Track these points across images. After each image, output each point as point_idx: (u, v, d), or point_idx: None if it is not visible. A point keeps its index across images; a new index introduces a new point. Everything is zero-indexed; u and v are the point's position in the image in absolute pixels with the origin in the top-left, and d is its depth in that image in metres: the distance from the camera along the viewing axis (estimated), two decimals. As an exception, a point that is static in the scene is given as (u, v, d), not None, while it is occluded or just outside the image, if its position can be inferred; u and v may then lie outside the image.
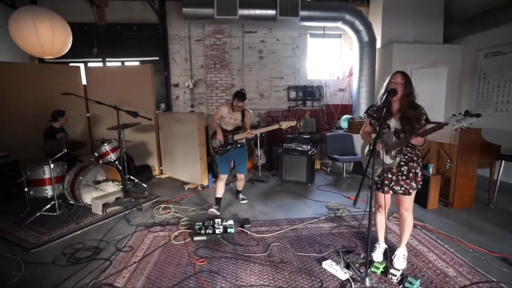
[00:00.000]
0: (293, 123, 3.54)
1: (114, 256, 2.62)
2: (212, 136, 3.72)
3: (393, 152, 2.22)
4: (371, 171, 2.34)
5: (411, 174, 2.28)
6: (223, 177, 3.70)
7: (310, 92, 6.63)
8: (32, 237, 3.07)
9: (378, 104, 2.28)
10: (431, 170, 3.75)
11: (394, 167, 2.28)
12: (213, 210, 3.57)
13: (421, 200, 3.67)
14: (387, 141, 2.20)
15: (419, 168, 2.29)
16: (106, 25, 5.91)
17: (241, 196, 4.08)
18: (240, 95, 3.49)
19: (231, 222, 3.07)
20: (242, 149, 3.75)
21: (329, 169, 5.69)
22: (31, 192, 3.58)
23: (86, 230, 3.19)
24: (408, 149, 2.28)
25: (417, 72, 5.58)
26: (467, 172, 3.63)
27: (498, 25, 5.04)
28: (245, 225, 3.09)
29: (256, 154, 5.83)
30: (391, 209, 3.28)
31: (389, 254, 2.47)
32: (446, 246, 2.75)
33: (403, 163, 2.29)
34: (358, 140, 5.37)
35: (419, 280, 2.17)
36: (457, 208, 3.67)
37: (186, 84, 6.34)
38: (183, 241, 2.87)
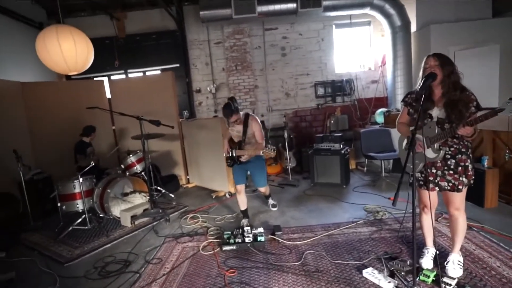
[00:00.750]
0: (272, 154, 3.00)
1: (143, 269, 2.70)
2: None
3: (436, 145, 2.07)
4: (411, 166, 2.21)
5: (459, 168, 2.10)
6: (239, 189, 3.47)
7: (339, 87, 6.46)
8: (65, 251, 3.26)
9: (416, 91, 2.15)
10: (486, 163, 3.45)
11: (439, 161, 2.13)
12: (244, 222, 3.51)
13: (476, 198, 3.40)
14: (428, 132, 2.05)
15: (469, 160, 2.11)
16: (126, 37, 6.25)
17: (270, 201, 3.96)
18: (225, 113, 3.16)
19: (261, 229, 3.04)
20: (255, 162, 3.43)
21: (365, 168, 5.48)
22: (64, 207, 3.83)
23: (116, 243, 3.33)
24: (455, 140, 2.11)
25: (462, 54, 5.22)
26: (532, 163, 3.31)
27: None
28: (276, 233, 3.05)
29: (285, 157, 5.77)
30: (439, 209, 3.07)
31: (439, 260, 2.30)
32: (511, 250, 2.50)
33: (449, 156, 2.12)
34: (396, 135, 5.07)
35: (479, 289, 1.99)
36: (520, 204, 3.34)
37: (208, 89, 6.48)
38: (212, 251, 2.89)
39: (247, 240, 2.90)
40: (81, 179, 3.70)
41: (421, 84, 1.94)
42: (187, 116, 5.67)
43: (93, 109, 3.89)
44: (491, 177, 3.37)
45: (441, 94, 2.07)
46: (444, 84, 2.02)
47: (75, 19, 6.20)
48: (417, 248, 2.63)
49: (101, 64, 6.09)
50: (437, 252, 2.43)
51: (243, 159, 3.35)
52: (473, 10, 5.48)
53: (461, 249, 2.32)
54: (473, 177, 2.14)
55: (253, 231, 3.02)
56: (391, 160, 5.15)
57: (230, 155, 3.43)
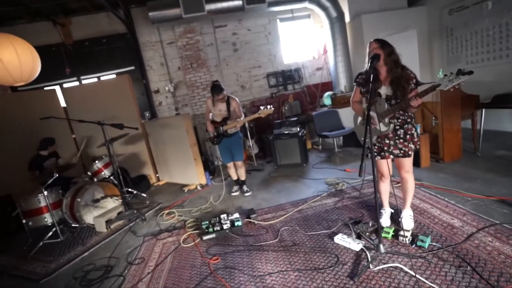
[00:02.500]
0: (271, 111, 3.34)
1: (126, 271, 2.49)
2: (206, 129, 3.79)
3: (386, 119, 2.15)
4: (367, 140, 2.27)
5: (408, 136, 2.22)
6: (229, 165, 3.86)
7: (289, 76, 6.51)
8: (39, 267, 2.90)
9: (365, 70, 2.20)
10: (419, 130, 3.72)
11: (390, 133, 2.22)
12: (235, 188, 3.94)
13: (414, 160, 3.61)
14: (379, 109, 2.12)
15: (414, 129, 2.24)
16: (74, 43, 5.62)
17: (245, 188, 3.92)
18: (215, 89, 3.39)
19: (237, 215, 2.97)
20: (235, 138, 3.69)
21: (320, 147, 5.65)
22: (30, 223, 3.40)
23: (94, 250, 3.04)
24: (401, 112, 2.21)
25: (389, 38, 5.45)
26: (452, 126, 3.63)
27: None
28: (251, 216, 3.00)
29: (248, 145, 5.72)
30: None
31: (395, 217, 2.44)
32: (446, 199, 2.74)
33: (398, 127, 2.23)
34: (344, 114, 5.33)
35: (429, 236, 2.14)
36: (448, 161, 3.68)
37: (167, 88, 6.12)
38: (193, 243, 2.76)
39: (225, 227, 2.81)
40: (45, 192, 3.29)
41: (368, 66, 1.98)
42: (149, 116, 5.31)
43: (48, 119, 3.43)
44: (423, 141, 3.64)
45: (386, 73, 2.14)
46: (386, 62, 2.09)
47: (11, 27, 5.38)
48: (375, 211, 2.77)
49: (50, 72, 5.44)
50: (393, 211, 2.58)
51: (232, 130, 3.59)
52: (392, 0, 5.79)
53: (410, 205, 2.48)
54: (419, 143, 2.28)
55: (229, 218, 2.94)
56: (341, 137, 5.36)
57: (217, 133, 3.62)
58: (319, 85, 6.56)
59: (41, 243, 3.23)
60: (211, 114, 3.68)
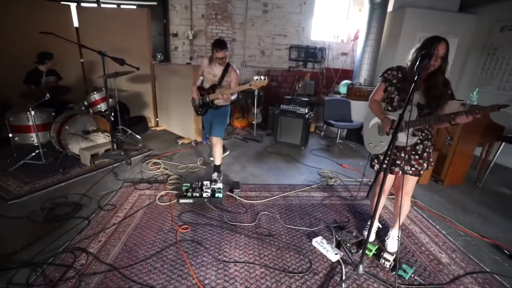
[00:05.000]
0: (264, 83, 2.50)
1: (94, 215, 2.22)
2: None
3: (411, 130, 1.71)
4: (375, 147, 1.86)
5: (425, 154, 1.80)
6: (213, 141, 2.94)
7: (312, 54, 5.82)
8: (13, 186, 2.63)
9: (405, 70, 1.71)
10: (429, 146, 3.27)
11: (409, 146, 1.79)
12: (214, 176, 2.95)
13: (413, 175, 3.26)
14: (406, 116, 1.66)
15: (432, 147, 1.81)
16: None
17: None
18: (218, 44, 2.55)
19: (220, 185, 2.64)
20: (222, 110, 2.83)
21: (322, 133, 5.21)
22: (17, 138, 3.07)
23: (71, 182, 2.76)
24: (427, 126, 1.76)
25: (426, 40, 4.78)
26: (466, 151, 3.18)
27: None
28: (234, 190, 2.67)
29: (252, 113, 5.27)
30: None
31: (381, 232, 2.11)
32: (438, 227, 2.40)
33: (418, 141, 1.79)
34: (355, 107, 4.80)
35: (413, 268, 1.82)
36: (447, 185, 3.29)
37: (186, 34, 5.47)
38: (168, 203, 2.46)
39: (204, 195, 2.50)
40: (33, 112, 2.92)
41: (417, 64, 1.47)
42: (161, 59, 4.78)
43: (47, 34, 2.91)
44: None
45: (425, 77, 1.65)
46: (436, 78, 1.60)
47: None
48: (362, 219, 2.44)
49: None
50: (380, 226, 2.25)
51: (220, 102, 2.74)
52: (444, 0, 4.93)
53: (401, 226, 2.14)
54: (432, 163, 1.87)
55: (212, 186, 2.61)
56: (346, 129, 4.90)
57: (202, 102, 2.79)
58: (339, 70, 5.90)
59: (21, 162, 2.95)
60: (201, 78, 2.84)
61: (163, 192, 2.62)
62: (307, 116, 4.22)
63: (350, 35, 5.81)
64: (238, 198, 2.60)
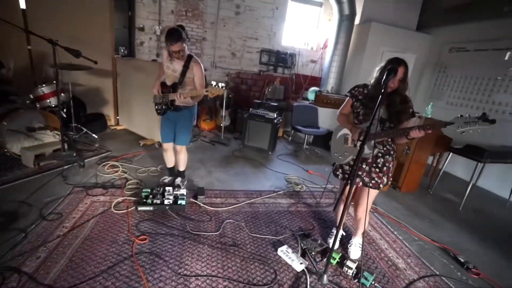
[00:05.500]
0: (221, 92, 2.23)
1: (33, 226, 1.94)
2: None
3: (372, 142, 1.76)
4: (339, 157, 1.90)
5: (385, 168, 1.87)
6: (166, 147, 2.64)
7: (282, 59, 5.89)
8: None
9: (372, 84, 1.76)
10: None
11: (370, 158, 1.85)
12: (166, 179, 2.83)
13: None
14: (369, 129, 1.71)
15: (392, 163, 1.89)
16: None
17: (178, 181, 2.76)
18: (169, 35, 2.18)
19: (183, 191, 2.50)
20: (183, 114, 2.51)
21: (290, 138, 5.27)
22: None
23: (8, 187, 2.40)
24: (389, 140, 1.84)
25: (388, 55, 5.09)
26: (420, 160, 3.42)
27: (467, 21, 4.63)
28: (198, 196, 2.55)
29: (221, 115, 5.16)
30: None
31: (344, 240, 2.15)
32: (396, 233, 2.52)
33: (380, 155, 1.86)
34: (322, 114, 4.95)
35: (374, 275, 1.88)
36: (404, 191, 3.50)
37: (153, 29, 5.19)
38: (125, 210, 2.26)
39: (166, 202, 2.34)
40: (-38, 103, 2.51)
41: (383, 78, 1.52)
42: (124, 53, 4.46)
43: (6, 23, 2.52)
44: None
45: (386, 94, 1.72)
46: (394, 97, 1.69)
47: None
48: (326, 226, 2.48)
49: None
50: (344, 234, 2.29)
51: (180, 102, 2.41)
52: (404, 19, 5.32)
53: (362, 233, 2.21)
54: (391, 179, 1.95)
55: (174, 192, 2.46)
56: (312, 135, 5.01)
57: (161, 100, 2.48)
58: (308, 77, 6.05)
59: None
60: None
61: (120, 199, 2.40)
62: (275, 121, 4.23)
63: (320, 44, 6.00)
64: (202, 205, 2.49)
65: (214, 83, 2.25)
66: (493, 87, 4.22)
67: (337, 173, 2.03)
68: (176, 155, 2.70)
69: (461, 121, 1.40)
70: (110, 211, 2.23)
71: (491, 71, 4.25)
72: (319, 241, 2.13)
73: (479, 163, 3.18)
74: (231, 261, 1.87)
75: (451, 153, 3.53)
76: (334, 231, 2.24)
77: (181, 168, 2.78)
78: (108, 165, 3.03)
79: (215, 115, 5.36)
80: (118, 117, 4.65)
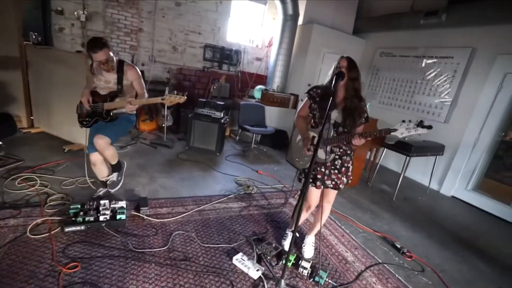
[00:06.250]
0: (181, 100, 2.12)
1: None
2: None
3: (328, 148, 1.84)
4: (301, 162, 1.95)
5: (343, 169, 1.98)
6: (94, 159, 2.33)
7: (227, 56, 5.81)
8: None
9: (325, 85, 1.83)
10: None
11: (329, 162, 1.93)
12: (101, 192, 2.51)
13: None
14: (324, 134, 1.78)
15: (351, 162, 2.01)
16: None
17: (114, 177, 2.54)
18: (91, 44, 2.04)
19: (123, 203, 2.25)
20: (120, 121, 2.36)
21: (238, 137, 5.25)
22: None
23: None
24: (344, 142, 1.94)
25: (330, 56, 5.50)
26: (360, 156, 3.77)
27: (393, 29, 5.29)
28: (141, 208, 2.31)
29: (162, 114, 4.84)
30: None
31: (297, 240, 2.22)
32: (343, 227, 2.72)
33: (337, 157, 1.96)
34: (269, 113, 5.06)
35: (327, 272, 1.98)
36: (347, 186, 3.79)
37: (76, 14, 4.54)
38: (47, 234, 1.91)
39: (102, 218, 2.06)
40: None
41: (333, 82, 1.59)
42: (37, 41, 3.79)
43: None
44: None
45: (342, 97, 1.82)
46: (347, 88, 1.77)
47: None
48: (279, 228, 2.52)
49: None
50: (297, 235, 2.36)
51: (121, 110, 2.26)
52: (343, 23, 5.77)
53: (312, 229, 2.31)
54: (351, 177, 2.06)
55: (112, 206, 2.19)
56: (260, 134, 5.09)
57: (92, 111, 2.31)
58: (254, 75, 6.11)
59: None
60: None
61: (39, 220, 2.02)
62: (222, 121, 4.15)
63: (265, 41, 6.10)
64: (146, 217, 2.27)
65: (168, 91, 2.18)
66: (414, 89, 4.91)
67: (301, 177, 2.08)
68: (103, 154, 2.33)
69: (402, 128, 1.55)
70: (26, 237, 1.85)
71: (412, 75, 4.94)
72: (273, 245, 2.16)
73: (407, 157, 3.66)
74: (183, 277, 1.74)
75: (385, 149, 3.98)
76: (288, 232, 2.30)
77: (113, 161, 2.44)
78: (21, 178, 2.53)
79: (155, 115, 5.00)
80: (32, 118, 3.95)
